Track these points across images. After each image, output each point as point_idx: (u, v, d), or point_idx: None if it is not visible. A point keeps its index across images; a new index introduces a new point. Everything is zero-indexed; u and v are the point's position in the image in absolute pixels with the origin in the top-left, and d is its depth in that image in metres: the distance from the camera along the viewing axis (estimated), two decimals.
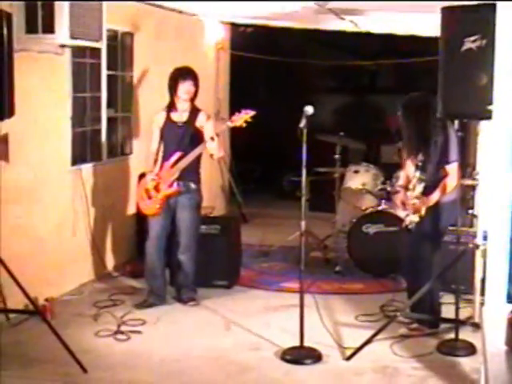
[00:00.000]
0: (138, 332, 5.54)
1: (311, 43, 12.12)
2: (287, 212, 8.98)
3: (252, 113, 5.90)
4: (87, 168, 6.85)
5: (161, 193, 6.06)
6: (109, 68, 7.13)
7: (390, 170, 7.73)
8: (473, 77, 4.67)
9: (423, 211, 5.35)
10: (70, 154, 6.55)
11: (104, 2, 5.89)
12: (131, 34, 7.54)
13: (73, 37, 5.52)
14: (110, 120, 7.28)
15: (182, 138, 6.07)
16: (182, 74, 6.08)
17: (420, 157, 5.50)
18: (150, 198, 6.10)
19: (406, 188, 5.63)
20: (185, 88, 6.05)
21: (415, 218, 5.40)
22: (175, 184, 6.03)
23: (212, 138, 5.90)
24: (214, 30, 9.76)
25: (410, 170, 5.68)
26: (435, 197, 5.43)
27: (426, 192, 5.40)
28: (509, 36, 4.38)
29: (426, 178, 5.43)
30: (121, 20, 7.19)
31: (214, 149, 5.95)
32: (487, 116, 4.59)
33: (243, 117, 5.89)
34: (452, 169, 5.40)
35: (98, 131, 7.09)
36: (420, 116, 5.49)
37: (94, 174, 6.93)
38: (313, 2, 6.70)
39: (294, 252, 7.26)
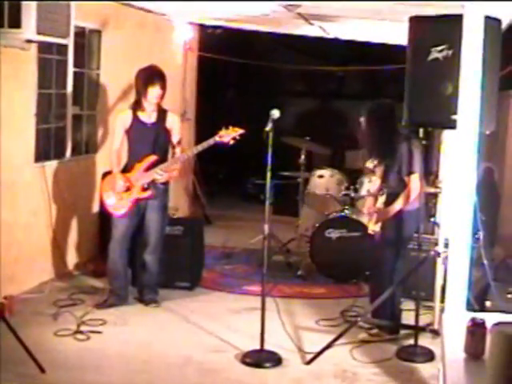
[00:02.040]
0: (98, 332, 5.50)
1: (279, 47, 12.13)
2: (251, 215, 9.00)
3: (241, 131, 5.85)
4: (51, 165, 6.78)
5: (133, 195, 6.01)
6: (75, 65, 7.06)
7: (354, 176, 7.78)
8: (438, 86, 4.73)
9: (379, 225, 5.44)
10: (33, 151, 6.48)
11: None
12: (99, 32, 7.48)
13: (40, 32, 5.45)
14: (75, 118, 7.21)
15: (155, 139, 6.02)
16: (152, 78, 5.95)
17: (381, 166, 5.59)
18: (119, 198, 6.04)
19: (376, 196, 5.69)
20: (154, 93, 5.95)
21: (376, 228, 5.48)
22: (146, 186, 6.00)
23: (179, 142, 5.91)
24: (183, 31, 9.73)
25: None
26: (397, 206, 5.47)
27: (388, 202, 5.47)
28: (474, 47, 4.44)
29: (387, 187, 5.50)
30: (89, 17, 7.12)
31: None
32: (451, 125, 4.64)
33: (231, 134, 5.84)
34: (414, 179, 5.45)
35: (63, 128, 7.02)
36: (385, 124, 5.50)
37: (58, 172, 6.87)
38: (282, 7, 6.71)
39: (257, 255, 7.28)
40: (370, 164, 5.74)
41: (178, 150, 6.14)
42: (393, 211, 5.48)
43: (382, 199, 5.48)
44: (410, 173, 5.44)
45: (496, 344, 2.35)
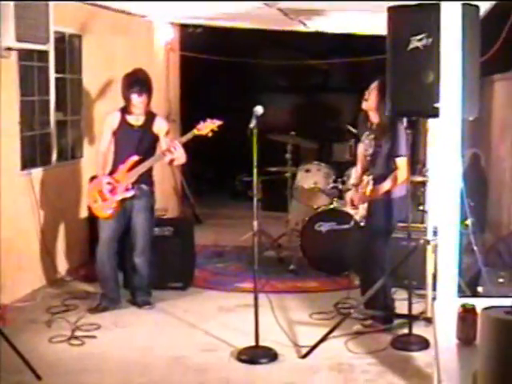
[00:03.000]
0: (93, 337, 5.49)
1: (262, 43, 12.12)
2: (240, 212, 8.99)
3: (219, 122, 5.84)
4: (37, 172, 6.76)
5: (117, 196, 6.00)
6: (57, 71, 7.05)
7: (341, 168, 7.80)
8: (419, 75, 4.73)
9: (368, 192, 5.43)
10: (19, 159, 6.46)
11: (51, 4, 5.83)
12: (79, 36, 7.46)
13: (19, 39, 5.44)
14: (59, 123, 7.20)
15: (139, 141, 6.03)
16: (133, 86, 5.95)
17: (370, 150, 5.60)
18: (104, 200, 6.04)
19: (357, 186, 5.71)
20: (137, 100, 5.96)
21: (363, 211, 5.51)
22: (130, 187, 5.99)
23: (169, 151, 5.88)
24: (164, 31, 9.73)
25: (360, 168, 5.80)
26: (386, 186, 5.49)
27: (376, 184, 5.49)
28: (453, 34, 4.45)
29: (374, 171, 5.51)
30: (69, 22, 7.11)
31: (179, 157, 5.96)
32: (434, 113, 4.66)
33: (209, 126, 5.83)
34: (402, 162, 5.46)
35: (48, 135, 7.00)
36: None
37: (45, 178, 6.85)
38: (261, 3, 6.72)
39: (248, 252, 7.26)
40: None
41: (164, 142, 6.12)
42: (380, 191, 5.50)
43: (365, 180, 5.50)
44: (397, 156, 5.47)
45: (485, 329, 2.37)
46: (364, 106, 5.67)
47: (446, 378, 2.54)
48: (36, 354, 5.03)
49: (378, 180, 5.54)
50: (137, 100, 5.96)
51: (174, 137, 6.16)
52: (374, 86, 5.59)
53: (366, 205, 5.78)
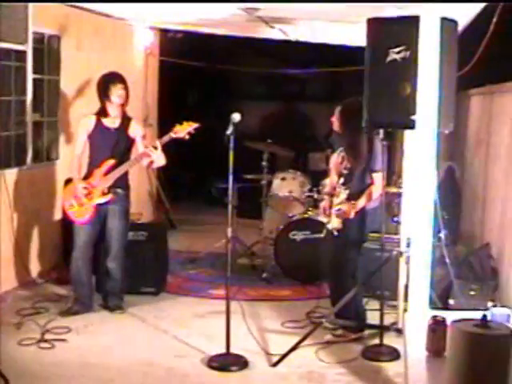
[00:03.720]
0: (63, 340, 5.45)
1: (241, 50, 12.14)
2: (215, 218, 8.98)
3: (195, 125, 5.85)
4: (11, 173, 6.70)
5: (93, 200, 5.96)
6: (35, 71, 7.00)
7: (317, 177, 7.82)
8: (397, 87, 4.77)
9: (352, 215, 5.44)
10: None
11: (30, 4, 5.80)
12: (58, 38, 7.42)
13: None
14: (35, 124, 7.14)
15: (115, 144, 6.01)
16: (112, 78, 6.01)
17: (347, 164, 5.62)
18: (80, 205, 6.00)
19: (331, 195, 5.72)
20: (117, 92, 5.96)
21: (337, 224, 5.51)
22: (106, 191, 5.96)
23: (146, 154, 5.90)
24: (143, 36, 9.70)
25: (334, 177, 5.80)
26: (362, 202, 5.52)
27: (351, 199, 5.50)
28: (431, 48, 4.50)
29: (351, 185, 5.53)
30: (48, 23, 7.07)
31: (158, 159, 5.94)
32: (411, 126, 4.69)
33: (186, 128, 5.84)
34: (377, 178, 5.49)
35: (23, 135, 6.94)
36: (354, 123, 5.39)
37: (19, 179, 6.80)
38: (242, 10, 6.72)
39: (222, 258, 7.25)
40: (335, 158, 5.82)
41: (141, 145, 6.11)
42: (360, 205, 5.52)
43: (343, 195, 5.51)
44: (374, 171, 5.50)
45: (454, 341, 2.38)
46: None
47: None
48: (4, 356, 4.94)
49: (354, 195, 5.56)
50: (117, 92, 5.94)
51: (150, 142, 6.14)
52: (337, 115, 5.70)
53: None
